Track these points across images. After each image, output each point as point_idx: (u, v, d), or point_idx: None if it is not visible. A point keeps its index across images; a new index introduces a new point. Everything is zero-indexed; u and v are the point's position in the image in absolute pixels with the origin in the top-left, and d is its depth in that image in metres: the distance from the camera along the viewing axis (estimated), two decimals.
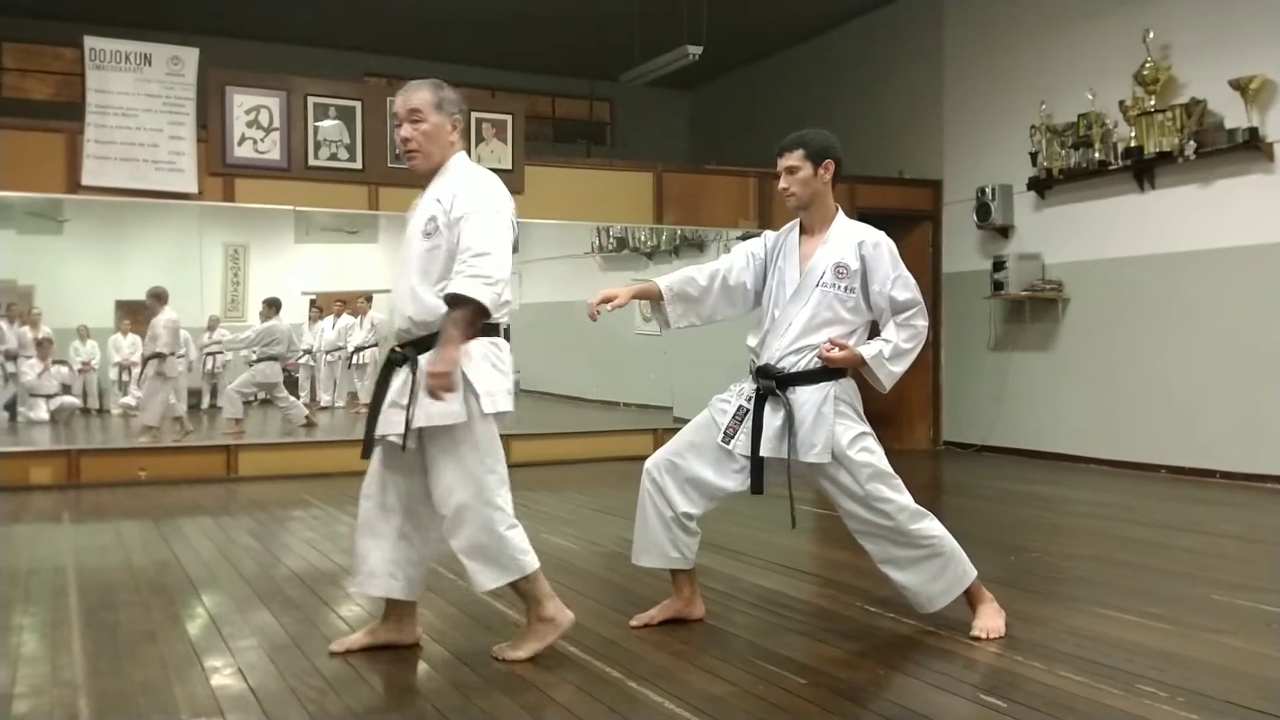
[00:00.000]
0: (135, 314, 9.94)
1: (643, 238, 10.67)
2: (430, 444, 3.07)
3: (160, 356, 8.70)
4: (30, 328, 10.04)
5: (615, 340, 10.28)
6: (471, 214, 3.01)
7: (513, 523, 3.12)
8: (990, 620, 3.42)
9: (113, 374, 10.60)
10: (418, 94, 3.14)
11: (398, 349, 3.14)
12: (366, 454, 3.17)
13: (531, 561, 3.14)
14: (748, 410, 3.44)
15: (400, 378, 3.08)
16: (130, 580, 4.40)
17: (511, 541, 3.11)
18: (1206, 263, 7.40)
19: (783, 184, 3.48)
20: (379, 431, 3.10)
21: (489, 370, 3.07)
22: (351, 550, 3.36)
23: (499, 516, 3.09)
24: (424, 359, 3.01)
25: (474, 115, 8.47)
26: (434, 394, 2.93)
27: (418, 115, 3.11)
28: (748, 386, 3.49)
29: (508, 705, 2.81)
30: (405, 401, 3.02)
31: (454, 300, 2.94)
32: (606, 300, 3.40)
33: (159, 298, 8.82)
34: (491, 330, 3.07)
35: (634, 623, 3.59)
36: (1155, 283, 7.76)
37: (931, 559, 3.39)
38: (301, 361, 11.17)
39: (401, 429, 3.01)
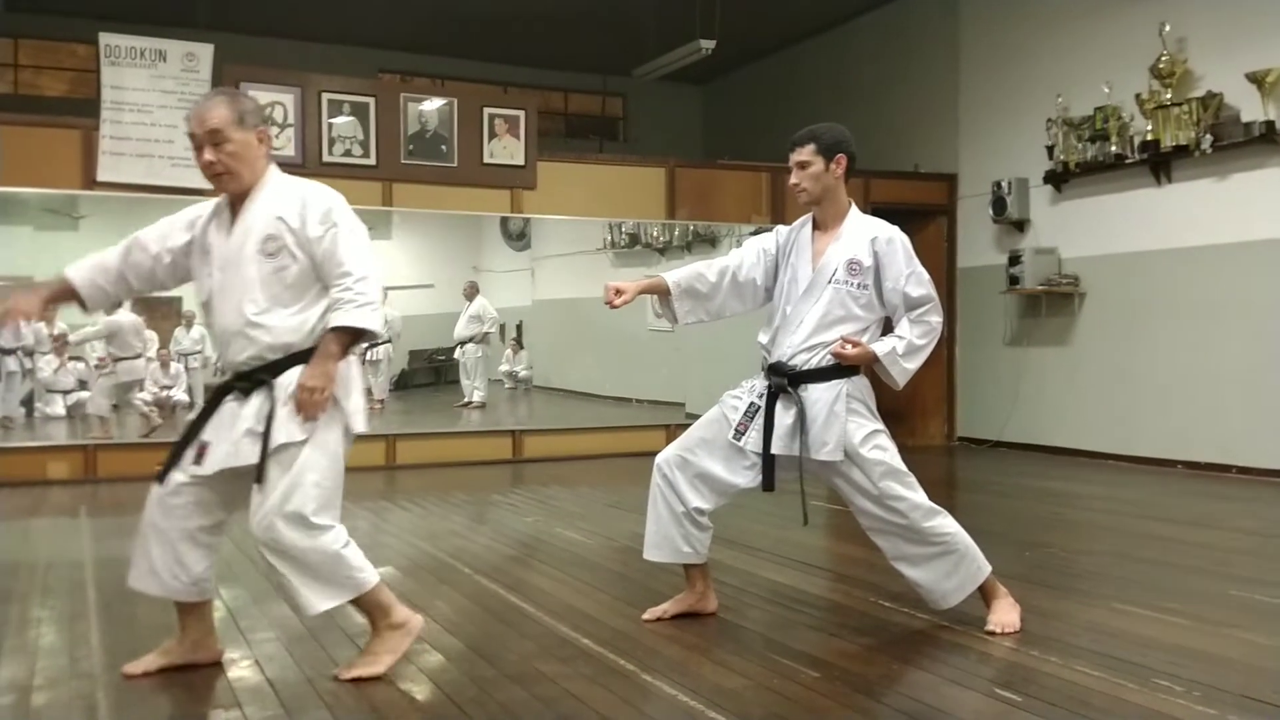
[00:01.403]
0: (151, 310, 10.00)
1: (655, 233, 10.67)
2: (273, 463, 2.86)
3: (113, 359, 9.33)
4: (46, 324, 10.09)
5: (627, 336, 10.28)
6: (337, 233, 2.89)
7: (347, 540, 2.94)
8: (1005, 615, 3.41)
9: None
10: (214, 112, 2.87)
11: (241, 377, 2.93)
12: (162, 479, 2.93)
13: (369, 578, 2.96)
14: (759, 407, 3.43)
15: (253, 404, 2.88)
16: None
17: (347, 559, 2.92)
18: (1223, 257, 7.35)
19: (794, 179, 3.45)
20: (226, 464, 2.87)
21: (355, 390, 2.99)
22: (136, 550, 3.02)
23: (333, 535, 2.91)
24: (290, 378, 2.88)
25: (486, 111, 8.48)
26: (305, 410, 2.84)
27: (219, 136, 2.86)
28: (759, 383, 3.49)
29: (523, 697, 2.82)
30: (263, 429, 2.85)
31: (344, 329, 2.87)
32: (619, 292, 3.39)
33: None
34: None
35: (647, 616, 3.59)
36: (1172, 277, 7.72)
37: (945, 556, 3.38)
38: None
39: (257, 458, 2.84)
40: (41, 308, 3.01)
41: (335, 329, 2.88)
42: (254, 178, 2.94)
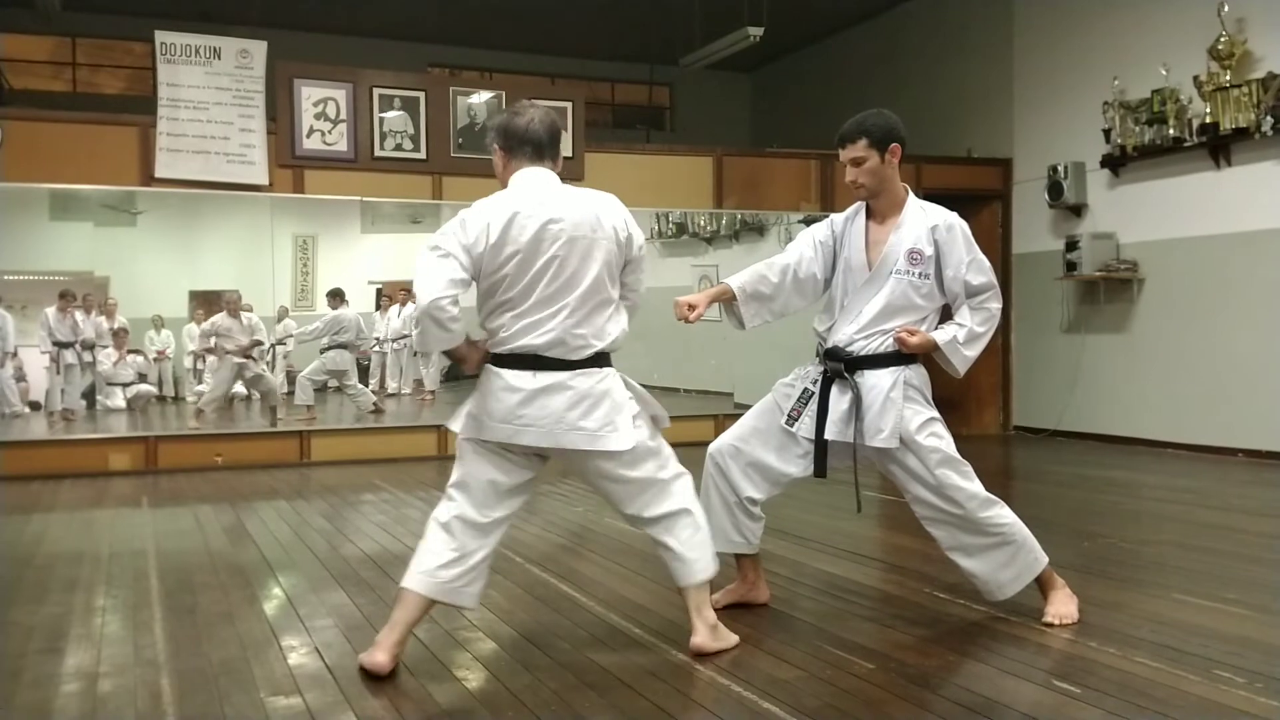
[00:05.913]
0: (209, 304, 10.17)
1: (702, 223, 10.64)
2: None
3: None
4: (106, 318, 10.31)
5: (675, 326, 10.22)
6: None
7: (437, 521, 3.05)
8: (1063, 606, 3.37)
9: (187, 362, 10.86)
10: None
11: None
12: None
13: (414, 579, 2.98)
14: (813, 393, 3.41)
15: None
16: (208, 563, 4.51)
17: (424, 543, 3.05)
18: None
19: (850, 176, 3.37)
20: None
21: (475, 397, 3.24)
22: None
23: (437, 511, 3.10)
24: None
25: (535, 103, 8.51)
26: None
27: None
28: (813, 370, 3.46)
29: (576, 685, 2.84)
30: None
31: None
32: (691, 307, 3.36)
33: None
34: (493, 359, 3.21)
35: None
36: (1232, 262, 7.56)
37: (1001, 547, 3.33)
38: (373, 350, 11.35)
39: None
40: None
41: None
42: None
